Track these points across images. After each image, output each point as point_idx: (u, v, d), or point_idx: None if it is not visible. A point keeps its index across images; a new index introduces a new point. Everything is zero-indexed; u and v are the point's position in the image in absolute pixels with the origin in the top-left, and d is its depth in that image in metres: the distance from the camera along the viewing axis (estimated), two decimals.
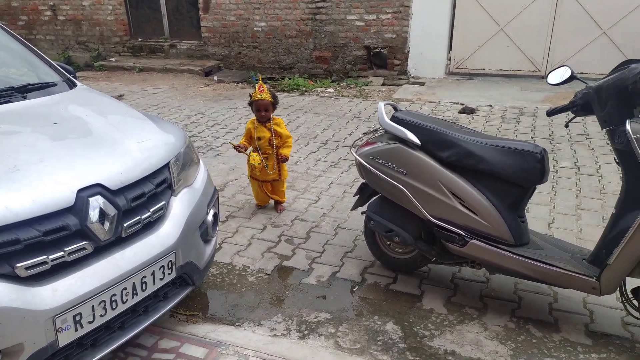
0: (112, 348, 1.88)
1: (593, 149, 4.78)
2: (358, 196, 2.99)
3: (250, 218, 3.60)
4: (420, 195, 2.53)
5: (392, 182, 2.58)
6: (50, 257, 1.64)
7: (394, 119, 2.66)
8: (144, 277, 1.94)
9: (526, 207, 2.59)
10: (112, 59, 9.23)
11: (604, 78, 2.26)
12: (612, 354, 2.27)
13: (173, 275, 2.10)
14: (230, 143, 3.50)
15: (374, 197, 2.88)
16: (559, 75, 2.53)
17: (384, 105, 2.76)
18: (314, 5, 7.97)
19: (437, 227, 2.53)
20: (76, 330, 1.70)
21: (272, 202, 3.79)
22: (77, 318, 1.68)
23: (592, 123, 5.41)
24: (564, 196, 3.83)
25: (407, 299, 2.69)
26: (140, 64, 8.81)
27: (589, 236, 3.18)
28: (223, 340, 2.30)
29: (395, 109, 2.83)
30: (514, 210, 2.46)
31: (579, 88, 2.40)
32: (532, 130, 5.38)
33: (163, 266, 2.02)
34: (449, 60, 7.89)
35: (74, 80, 2.77)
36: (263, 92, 3.42)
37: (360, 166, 2.75)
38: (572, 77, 2.48)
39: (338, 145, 5.07)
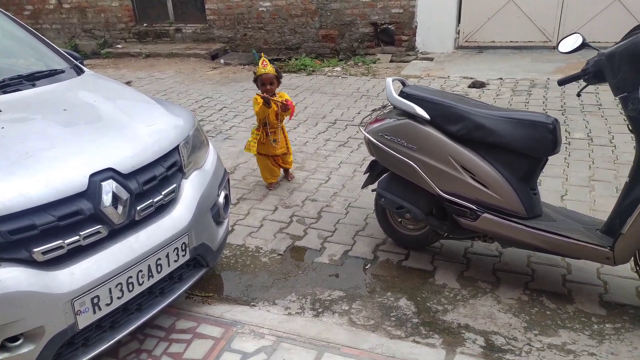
0: (131, 329, 1.92)
1: (606, 119, 4.70)
2: (368, 174, 2.98)
3: (262, 200, 3.61)
4: (431, 171, 2.51)
5: (402, 159, 2.57)
6: (66, 241, 1.67)
7: (402, 94, 2.63)
8: (159, 259, 1.97)
9: (538, 179, 2.56)
10: (119, 46, 9.22)
11: (616, 44, 2.21)
12: (626, 324, 2.27)
13: (187, 257, 2.13)
14: (258, 94, 3.46)
15: (384, 174, 2.87)
16: (570, 43, 2.48)
17: (392, 81, 2.73)
18: None
19: (448, 202, 2.52)
20: (94, 312, 1.74)
21: (282, 184, 3.81)
22: (95, 301, 1.72)
23: (604, 93, 5.31)
24: (577, 167, 3.79)
25: (419, 275, 2.70)
26: (146, 49, 8.79)
27: (603, 207, 3.15)
28: (238, 319, 2.34)
29: (403, 84, 2.80)
30: (526, 183, 2.44)
31: (591, 57, 2.35)
32: (543, 102, 5.29)
33: (177, 248, 2.05)
34: (458, 33, 7.75)
35: (82, 66, 2.78)
36: (266, 66, 3.49)
37: (369, 143, 2.74)
38: (583, 45, 2.42)
39: (347, 124, 5.04)
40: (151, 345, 2.21)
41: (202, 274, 2.30)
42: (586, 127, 4.54)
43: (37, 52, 2.80)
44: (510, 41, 7.57)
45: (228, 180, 2.62)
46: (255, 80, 3.57)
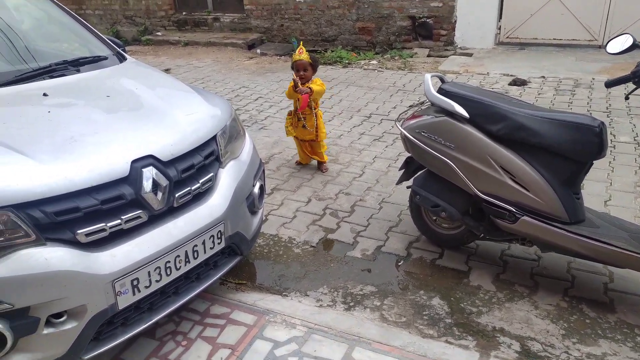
0: (168, 312, 1.96)
1: None
2: (403, 170, 2.94)
3: (295, 191, 3.62)
4: (469, 170, 2.46)
5: (439, 157, 2.52)
6: (108, 224, 1.71)
7: (441, 91, 2.57)
8: (195, 245, 1.99)
9: (581, 184, 2.47)
10: (159, 33, 9.37)
11: None
12: None
13: (222, 244, 2.15)
14: (294, 79, 3.68)
15: (420, 172, 2.83)
16: (619, 43, 2.38)
17: (431, 77, 2.68)
18: None
19: (486, 202, 2.46)
20: (134, 294, 1.78)
21: (316, 176, 3.83)
22: (135, 283, 1.76)
23: None
24: (622, 172, 3.64)
25: (453, 275, 2.66)
26: (185, 37, 8.91)
27: None
28: (271, 308, 2.36)
29: (442, 80, 2.74)
30: (568, 187, 2.35)
31: None
32: (588, 103, 5.10)
33: (213, 236, 2.07)
34: (499, 29, 7.54)
35: (124, 53, 2.83)
36: (302, 53, 3.65)
37: (405, 140, 2.70)
38: (634, 46, 2.32)
39: (382, 119, 4.99)
40: (187, 328, 2.25)
41: (236, 262, 2.33)
42: (632, 131, 4.36)
43: (81, 38, 2.86)
44: (554, 39, 7.33)
45: (263, 170, 2.63)
46: (292, 67, 3.74)
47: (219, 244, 2.12)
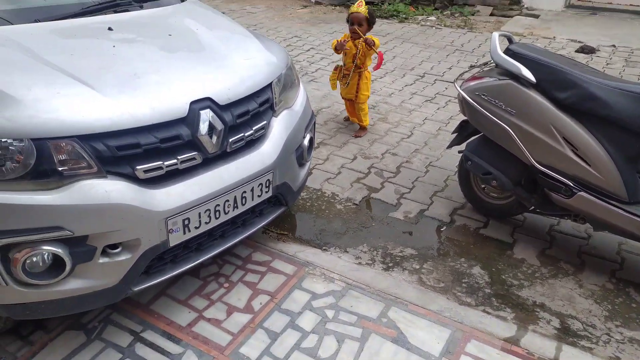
0: (214, 254, 2.02)
1: None
2: (456, 134, 2.86)
3: (341, 147, 3.60)
4: (528, 138, 2.36)
5: (497, 122, 2.42)
6: (165, 163, 1.74)
7: (508, 52, 2.44)
8: (244, 192, 2.02)
9: None
10: None
11: None
12: None
13: (269, 193, 2.17)
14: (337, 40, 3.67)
15: (474, 137, 2.73)
16: None
17: (499, 35, 2.53)
18: None
19: (541, 174, 2.37)
20: (184, 233, 1.83)
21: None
22: (186, 222, 1.81)
23: None
24: None
25: (497, 246, 2.61)
26: None
27: None
28: (310, 261, 2.40)
29: (510, 40, 2.59)
30: (633, 164, 2.23)
31: None
32: None
33: (261, 184, 2.10)
34: None
35: None
36: (360, 6, 3.49)
37: (463, 102, 2.60)
38: None
39: (436, 79, 4.82)
40: (229, 271, 2.33)
41: (281, 212, 2.36)
42: None
43: None
44: (631, 5, 6.80)
45: (314, 123, 2.61)
46: (348, 20, 3.58)
47: (266, 192, 2.15)
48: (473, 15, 7.06)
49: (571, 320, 2.15)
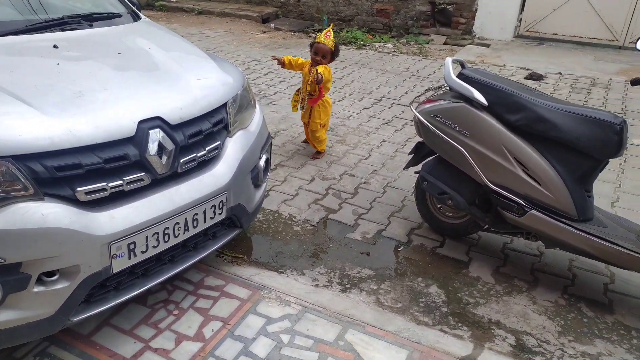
0: (162, 279, 1.94)
1: None
2: (412, 155, 2.89)
3: (299, 168, 3.58)
4: (481, 159, 2.41)
5: (451, 143, 2.47)
6: (110, 184, 1.66)
7: (461, 76, 2.50)
8: (196, 214, 1.96)
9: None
10: (173, 0, 9.22)
11: None
12: None
13: (223, 215, 2.11)
14: (273, 56, 3.70)
15: (430, 158, 2.77)
16: None
17: (452, 61, 2.60)
18: None
19: (495, 193, 2.42)
20: (129, 258, 1.74)
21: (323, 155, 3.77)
22: (131, 247, 1.73)
23: None
24: (632, 175, 3.58)
25: (453, 265, 2.62)
26: (199, 6, 8.77)
27: None
28: (266, 284, 2.33)
29: (462, 66, 2.67)
30: (581, 184, 2.31)
31: None
32: (603, 103, 5.01)
33: (214, 205, 2.04)
34: (519, 21, 7.38)
35: (139, 12, 2.76)
36: (328, 37, 3.41)
37: (419, 124, 2.64)
38: None
39: (393, 103, 4.91)
40: (179, 298, 2.23)
41: (235, 234, 2.30)
42: None
43: None
44: (574, 36, 7.18)
45: (271, 144, 2.59)
46: (312, 46, 3.50)
47: (219, 214, 2.09)
48: (428, 43, 7.30)
49: (526, 336, 2.16)
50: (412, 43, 7.31)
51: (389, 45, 7.21)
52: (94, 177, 1.64)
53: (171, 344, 1.97)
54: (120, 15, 2.58)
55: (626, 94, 5.22)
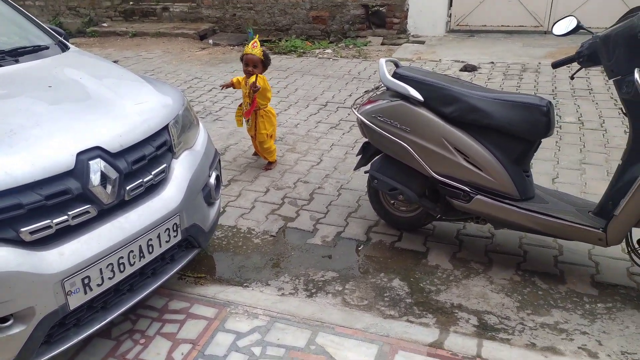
0: (123, 310, 1.89)
1: (597, 103, 4.72)
2: (360, 156, 2.96)
3: (253, 181, 3.58)
4: (424, 153, 2.50)
5: (395, 140, 2.55)
6: (54, 221, 1.62)
7: (395, 75, 2.60)
8: (150, 239, 1.93)
9: (531, 162, 2.57)
10: (104, 24, 9.00)
11: (611, 27, 2.19)
12: (618, 303, 2.30)
13: (179, 237, 2.09)
14: (222, 85, 3.86)
15: (377, 156, 2.85)
16: (564, 25, 2.46)
17: (385, 62, 2.69)
18: None
19: (441, 183, 2.51)
20: (85, 293, 1.70)
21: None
22: (86, 281, 1.69)
23: (595, 77, 5.33)
24: (568, 151, 3.80)
25: (412, 256, 2.70)
26: (133, 28, 8.60)
27: (594, 190, 3.17)
28: (232, 300, 2.32)
29: (396, 65, 2.76)
30: (519, 165, 2.43)
31: (584, 40, 2.33)
32: (534, 87, 5.29)
33: (168, 229, 2.02)
34: (449, 17, 7.68)
35: (66, 42, 2.70)
36: (255, 47, 3.45)
37: (362, 125, 2.71)
38: (577, 28, 2.41)
39: (338, 107, 5.00)
40: (144, 326, 2.18)
41: (194, 254, 2.28)
42: (577, 112, 4.56)
43: (19, 28, 2.69)
44: (502, 25, 7.54)
45: (219, 160, 2.58)
46: (242, 58, 3.54)
47: (175, 237, 2.07)
48: (366, 45, 7.46)
49: (487, 315, 2.26)
50: (350, 46, 7.45)
51: (329, 50, 7.32)
52: (37, 215, 1.59)
53: None
54: (47, 47, 2.51)
55: (555, 76, 5.52)
